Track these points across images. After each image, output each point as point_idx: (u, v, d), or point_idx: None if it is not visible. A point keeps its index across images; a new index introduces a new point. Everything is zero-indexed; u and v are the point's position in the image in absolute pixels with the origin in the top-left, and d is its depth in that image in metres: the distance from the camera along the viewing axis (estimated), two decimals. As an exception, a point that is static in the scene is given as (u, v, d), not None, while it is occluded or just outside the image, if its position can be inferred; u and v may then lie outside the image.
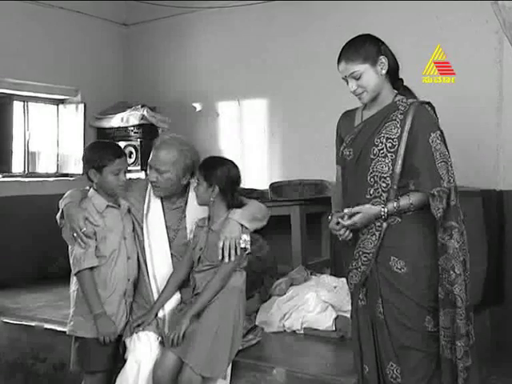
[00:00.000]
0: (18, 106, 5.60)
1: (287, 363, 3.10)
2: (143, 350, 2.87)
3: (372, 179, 2.50)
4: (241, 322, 2.94)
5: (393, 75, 2.57)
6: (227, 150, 5.54)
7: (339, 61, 2.53)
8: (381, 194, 2.49)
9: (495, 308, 4.09)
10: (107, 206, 2.97)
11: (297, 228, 4.65)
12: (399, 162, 2.46)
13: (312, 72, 5.15)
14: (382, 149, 2.49)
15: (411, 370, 2.49)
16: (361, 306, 2.62)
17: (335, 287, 3.81)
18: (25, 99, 5.66)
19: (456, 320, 2.40)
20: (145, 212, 3.08)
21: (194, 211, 3.05)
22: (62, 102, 5.93)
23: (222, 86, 5.71)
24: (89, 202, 2.96)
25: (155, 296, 3.01)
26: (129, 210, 3.08)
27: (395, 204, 2.45)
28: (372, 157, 2.50)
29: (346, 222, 2.51)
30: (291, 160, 5.40)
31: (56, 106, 5.93)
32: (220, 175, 2.87)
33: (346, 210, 2.53)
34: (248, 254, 2.93)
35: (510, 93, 4.30)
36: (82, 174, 5.40)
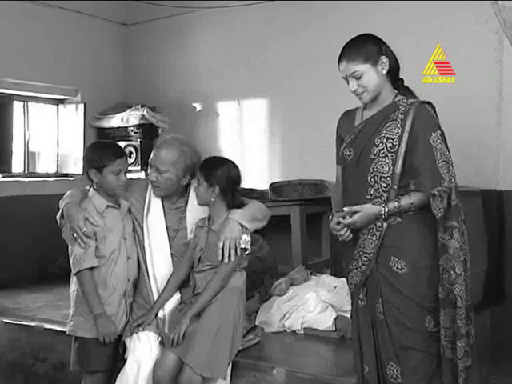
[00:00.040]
0: (17, 106, 5.60)
1: (287, 363, 3.10)
2: (143, 349, 2.87)
3: (372, 179, 2.50)
4: (241, 322, 2.94)
5: (393, 75, 2.57)
6: (227, 150, 5.55)
7: (340, 60, 2.52)
8: (381, 194, 2.49)
9: (495, 308, 4.09)
10: (107, 206, 2.97)
11: (297, 228, 4.65)
12: (400, 162, 2.46)
13: (312, 72, 5.15)
14: (383, 149, 2.48)
15: (411, 370, 2.49)
16: (361, 306, 2.62)
17: (335, 287, 3.81)
18: (25, 99, 5.66)
19: (456, 320, 2.40)
20: (145, 212, 3.08)
21: (195, 211, 3.05)
22: (62, 102, 5.93)
23: (222, 85, 5.71)
24: (89, 202, 2.96)
25: (155, 296, 3.01)
26: (129, 210, 3.08)
27: (396, 204, 2.45)
28: (372, 157, 2.50)
29: (346, 221, 2.51)
30: (291, 160, 5.40)
31: (56, 106, 5.93)
32: (220, 175, 2.87)
33: (345, 209, 2.53)
34: (248, 254, 2.93)
35: (510, 93, 4.30)
36: (82, 174, 5.47)
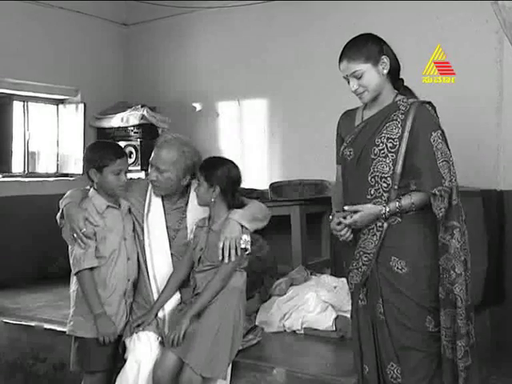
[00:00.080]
0: (17, 106, 5.60)
1: (287, 363, 3.10)
2: (143, 349, 2.87)
3: (373, 179, 2.50)
4: (241, 322, 2.94)
5: (394, 75, 2.56)
6: (227, 150, 5.55)
7: (341, 60, 2.52)
8: (382, 194, 2.49)
9: (495, 308, 4.09)
10: (107, 207, 2.97)
11: (297, 228, 4.65)
12: (400, 162, 2.46)
13: (312, 72, 5.15)
14: (383, 149, 2.48)
15: (411, 370, 2.48)
16: (361, 306, 2.62)
17: (335, 287, 3.81)
18: (25, 99, 5.66)
19: (456, 320, 2.40)
20: (145, 212, 3.08)
21: (195, 211, 3.05)
22: (62, 102, 5.92)
23: (222, 85, 5.71)
24: (89, 202, 2.96)
25: (155, 296, 3.01)
26: (129, 210, 3.08)
27: (397, 204, 2.45)
28: (373, 157, 2.50)
29: (347, 221, 2.51)
30: (291, 160, 5.40)
31: (56, 106, 5.93)
32: (221, 175, 2.87)
33: (346, 207, 2.52)
34: (248, 254, 2.93)
35: (510, 93, 4.30)
36: (82, 174, 5.48)
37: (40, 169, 5.84)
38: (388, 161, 2.47)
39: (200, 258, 2.92)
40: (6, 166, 5.32)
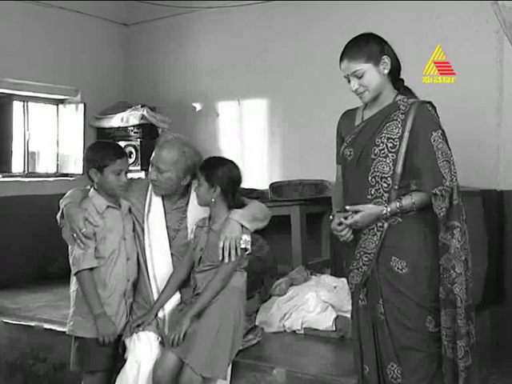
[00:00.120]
0: (17, 105, 5.60)
1: (287, 363, 3.10)
2: (143, 349, 2.87)
3: (373, 179, 2.50)
4: (241, 322, 2.94)
5: (394, 75, 2.56)
6: (227, 150, 5.54)
7: (342, 59, 2.51)
8: (382, 195, 2.49)
9: (495, 308, 4.08)
10: (107, 207, 2.97)
11: (297, 228, 4.65)
12: (400, 162, 2.45)
13: (312, 72, 5.15)
14: (383, 149, 2.48)
15: (412, 370, 2.48)
16: (361, 306, 2.61)
17: (335, 287, 3.81)
18: (25, 99, 5.66)
19: (456, 320, 2.40)
20: (145, 212, 3.08)
21: (196, 211, 3.05)
22: (62, 101, 5.92)
23: (222, 85, 5.71)
24: (89, 202, 2.96)
25: (155, 296, 3.01)
26: (130, 210, 3.08)
27: (398, 204, 2.44)
28: (373, 157, 2.50)
29: (348, 222, 2.51)
30: (291, 160, 5.39)
31: (56, 106, 5.92)
32: (221, 175, 2.87)
33: (348, 207, 2.52)
34: (248, 254, 2.93)
35: (510, 93, 4.30)
36: (82, 174, 5.48)
37: (40, 169, 5.84)
38: (388, 161, 2.47)
39: (200, 258, 2.92)
40: (6, 166, 5.32)
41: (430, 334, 2.48)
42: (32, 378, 3.85)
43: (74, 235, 2.84)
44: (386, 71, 2.50)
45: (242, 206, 2.94)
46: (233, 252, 2.80)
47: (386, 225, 2.48)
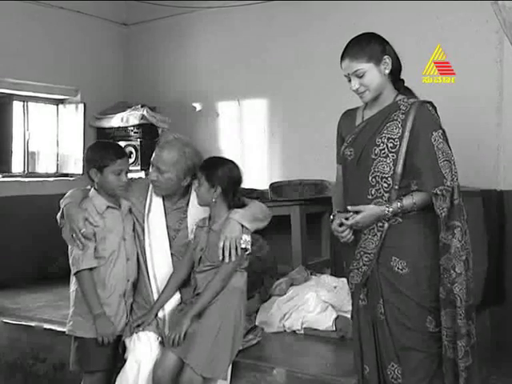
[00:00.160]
0: (17, 105, 5.60)
1: (287, 363, 3.11)
2: (143, 349, 2.86)
3: (373, 179, 2.50)
4: (242, 322, 2.94)
5: (395, 75, 2.56)
6: (227, 150, 5.54)
7: (343, 58, 2.51)
8: (382, 195, 2.49)
9: (495, 308, 4.08)
10: (108, 207, 2.97)
11: (297, 228, 4.65)
12: (401, 161, 2.45)
13: (312, 72, 5.15)
14: (384, 149, 2.48)
15: (412, 370, 2.48)
16: (361, 306, 2.61)
17: (335, 287, 3.81)
18: (25, 99, 5.66)
19: (457, 320, 2.39)
20: (146, 212, 3.07)
21: (196, 211, 3.05)
22: (62, 101, 5.92)
23: (222, 85, 5.71)
24: (89, 202, 2.96)
25: (155, 296, 3.00)
26: (130, 210, 3.07)
27: (399, 204, 2.44)
28: (373, 157, 2.50)
29: (349, 222, 2.51)
30: (291, 160, 5.39)
31: (56, 106, 5.93)
32: (222, 175, 2.87)
33: (348, 208, 2.52)
34: (249, 254, 2.93)
35: (510, 93, 4.29)
36: (82, 174, 5.48)
37: (40, 169, 5.84)
38: (389, 161, 2.47)
39: (200, 258, 2.92)
40: (6, 166, 5.32)
41: (430, 334, 2.48)
42: (32, 378, 3.85)
43: (74, 235, 2.84)
44: (387, 71, 2.50)
45: (242, 206, 2.94)
46: (233, 252, 2.80)
47: (386, 225, 2.48)
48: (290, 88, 5.33)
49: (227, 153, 5.18)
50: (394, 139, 2.47)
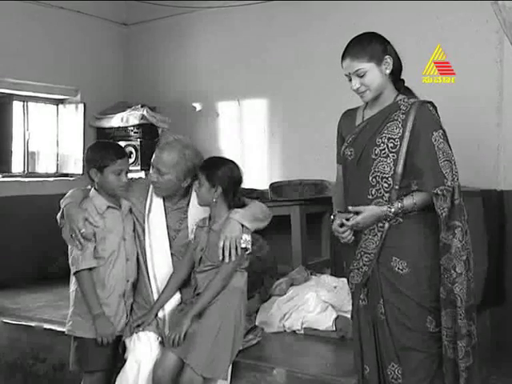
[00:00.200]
0: (17, 105, 5.60)
1: (287, 363, 3.10)
2: (143, 349, 2.86)
3: (374, 179, 2.50)
4: (242, 322, 2.94)
5: (396, 75, 2.56)
6: (227, 150, 5.54)
7: (344, 57, 2.50)
8: (383, 195, 2.48)
9: (495, 308, 4.08)
10: (108, 207, 2.97)
11: (297, 228, 4.65)
12: (401, 162, 2.45)
13: (312, 72, 5.15)
14: (384, 149, 2.48)
15: (412, 370, 2.48)
16: (362, 306, 2.61)
17: (335, 287, 3.81)
18: (25, 99, 5.66)
19: (457, 320, 2.39)
20: (146, 212, 3.07)
21: (196, 212, 3.05)
22: (62, 101, 5.92)
23: (222, 85, 5.71)
24: (89, 202, 2.95)
25: (155, 296, 3.00)
26: (130, 211, 3.07)
27: (399, 204, 2.44)
28: (373, 157, 2.50)
29: (350, 223, 2.51)
30: (291, 160, 5.39)
31: (56, 106, 5.92)
32: (223, 175, 2.87)
33: (349, 208, 2.52)
34: (249, 254, 2.93)
35: (510, 93, 4.29)
36: (82, 174, 5.48)
37: (40, 169, 5.84)
38: (389, 161, 2.47)
39: (201, 258, 2.92)
40: (6, 166, 5.32)
41: (431, 335, 2.48)
42: (32, 378, 3.85)
43: (73, 235, 2.84)
44: (388, 71, 2.50)
45: (242, 205, 2.94)
46: (233, 252, 2.80)
47: (386, 225, 2.48)
48: (290, 88, 5.33)
49: (227, 153, 5.17)
50: (394, 139, 2.47)
